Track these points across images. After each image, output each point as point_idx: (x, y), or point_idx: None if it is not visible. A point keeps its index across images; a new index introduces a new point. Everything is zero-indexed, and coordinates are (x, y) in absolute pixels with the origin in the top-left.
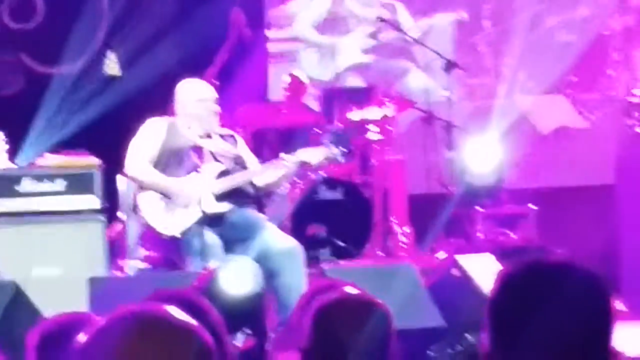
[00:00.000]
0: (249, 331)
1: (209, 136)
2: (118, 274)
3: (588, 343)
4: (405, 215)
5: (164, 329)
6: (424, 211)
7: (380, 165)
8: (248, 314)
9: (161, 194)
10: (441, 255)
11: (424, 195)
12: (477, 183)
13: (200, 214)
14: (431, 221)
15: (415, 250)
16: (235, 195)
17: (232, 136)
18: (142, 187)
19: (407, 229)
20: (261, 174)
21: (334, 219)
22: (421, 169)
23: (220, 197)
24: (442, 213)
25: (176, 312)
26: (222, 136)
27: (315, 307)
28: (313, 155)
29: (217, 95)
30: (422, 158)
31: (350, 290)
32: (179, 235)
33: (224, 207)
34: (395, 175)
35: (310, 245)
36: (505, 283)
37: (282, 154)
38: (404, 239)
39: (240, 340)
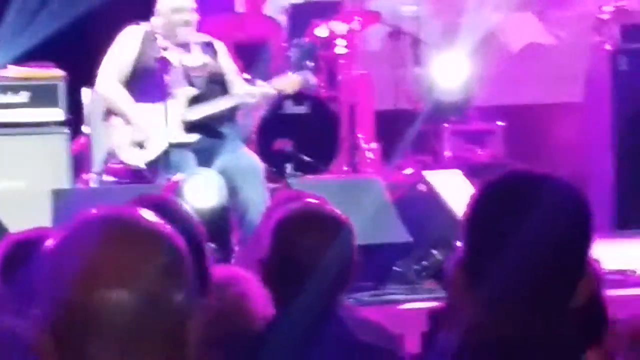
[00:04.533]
0: (213, 246)
1: (186, 49)
2: (101, 186)
3: (565, 253)
4: (372, 131)
5: (135, 232)
6: (391, 127)
7: (347, 80)
8: (212, 227)
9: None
10: (408, 171)
11: (391, 112)
12: (444, 99)
13: (166, 145)
14: (398, 137)
15: (382, 166)
16: (207, 124)
17: (211, 45)
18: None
19: (373, 145)
20: (232, 103)
21: (300, 133)
22: (388, 85)
23: (190, 125)
24: (409, 129)
25: (148, 216)
26: (201, 45)
27: (275, 217)
28: (289, 84)
29: (194, 5)
30: (389, 74)
31: (312, 201)
32: (143, 166)
33: (192, 138)
34: (362, 90)
35: (277, 159)
36: (484, 192)
37: (258, 82)
38: (370, 155)
39: None
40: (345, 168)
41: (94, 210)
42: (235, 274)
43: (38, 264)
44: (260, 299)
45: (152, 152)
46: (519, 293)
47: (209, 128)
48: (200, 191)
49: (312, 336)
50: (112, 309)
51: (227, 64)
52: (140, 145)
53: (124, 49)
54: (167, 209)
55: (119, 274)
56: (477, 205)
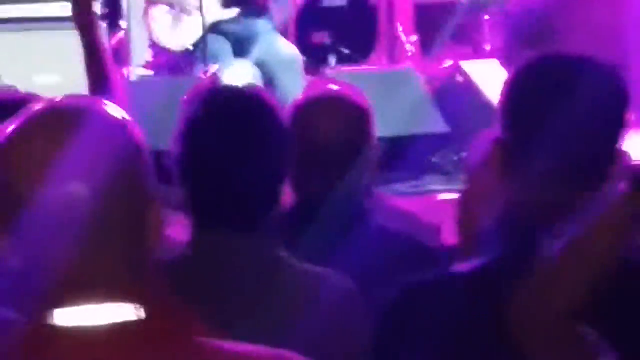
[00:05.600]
0: None
1: None
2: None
3: (602, 133)
4: (412, 24)
5: (92, 123)
6: (431, 20)
7: None
8: None
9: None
10: (448, 63)
11: (431, 4)
12: None
13: (205, 24)
14: (438, 30)
15: (421, 58)
16: (243, 2)
17: None
18: None
19: (413, 37)
20: None
21: (339, 26)
22: None
23: (226, 3)
24: (449, 21)
25: (108, 107)
26: None
27: (293, 104)
28: None
29: None
30: None
31: (332, 87)
32: (192, 48)
33: (229, 13)
34: None
35: (315, 52)
36: (521, 72)
37: None
38: (410, 47)
39: None
40: (384, 60)
41: (49, 102)
42: None
43: None
44: None
45: (193, 33)
46: (557, 173)
47: (246, 7)
48: (236, 82)
49: (336, 223)
50: (69, 203)
51: None
52: (182, 23)
53: None
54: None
55: (75, 167)
56: (515, 86)
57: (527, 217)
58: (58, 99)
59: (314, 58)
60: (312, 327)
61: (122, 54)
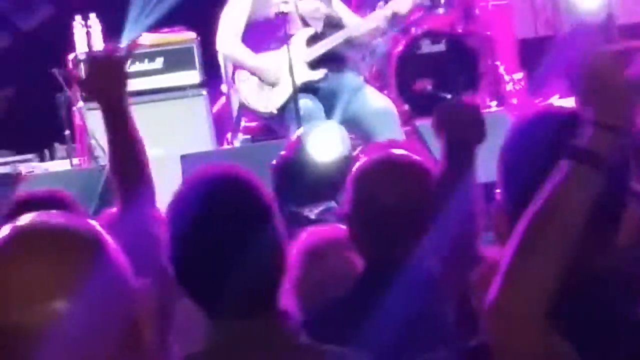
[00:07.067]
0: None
1: None
2: (227, 147)
3: None
4: (515, 61)
5: (62, 240)
6: (535, 55)
7: (484, 13)
8: (338, 179)
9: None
10: (555, 98)
11: (533, 39)
12: (586, 21)
13: (295, 87)
14: (542, 65)
15: (527, 96)
16: (330, 60)
17: None
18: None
19: (517, 75)
20: (351, 33)
21: (440, 72)
22: (528, 12)
23: (314, 64)
24: (553, 55)
25: (72, 220)
26: None
27: (356, 169)
28: (402, 4)
29: None
30: (528, 1)
31: (394, 150)
32: (275, 112)
33: (318, 74)
34: (501, 21)
35: (418, 100)
36: (515, 130)
37: (379, 4)
38: (515, 86)
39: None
40: (489, 101)
41: (16, 224)
42: (333, 237)
43: None
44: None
45: (282, 96)
46: None
47: (333, 63)
48: (322, 143)
49: (405, 289)
50: (56, 321)
51: (340, 7)
52: (270, 87)
53: (237, 8)
54: (232, 180)
55: (57, 285)
56: (508, 145)
57: None
58: (25, 221)
59: (416, 106)
60: None
61: (223, 120)
